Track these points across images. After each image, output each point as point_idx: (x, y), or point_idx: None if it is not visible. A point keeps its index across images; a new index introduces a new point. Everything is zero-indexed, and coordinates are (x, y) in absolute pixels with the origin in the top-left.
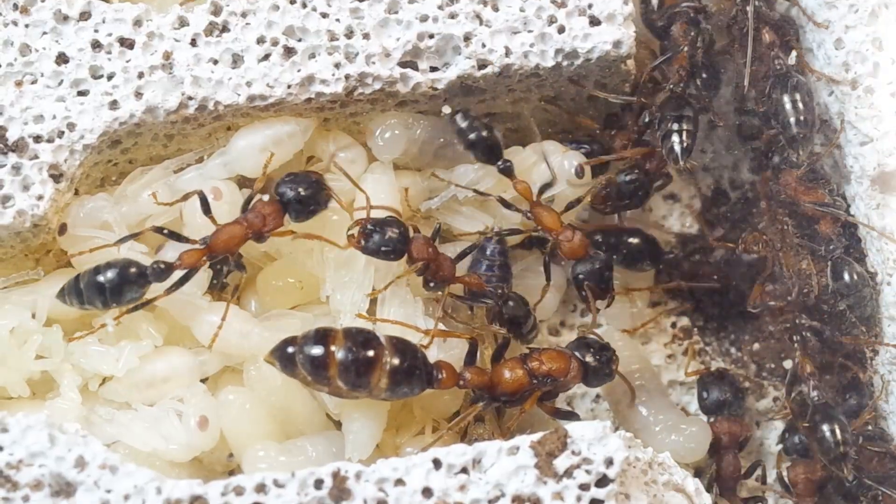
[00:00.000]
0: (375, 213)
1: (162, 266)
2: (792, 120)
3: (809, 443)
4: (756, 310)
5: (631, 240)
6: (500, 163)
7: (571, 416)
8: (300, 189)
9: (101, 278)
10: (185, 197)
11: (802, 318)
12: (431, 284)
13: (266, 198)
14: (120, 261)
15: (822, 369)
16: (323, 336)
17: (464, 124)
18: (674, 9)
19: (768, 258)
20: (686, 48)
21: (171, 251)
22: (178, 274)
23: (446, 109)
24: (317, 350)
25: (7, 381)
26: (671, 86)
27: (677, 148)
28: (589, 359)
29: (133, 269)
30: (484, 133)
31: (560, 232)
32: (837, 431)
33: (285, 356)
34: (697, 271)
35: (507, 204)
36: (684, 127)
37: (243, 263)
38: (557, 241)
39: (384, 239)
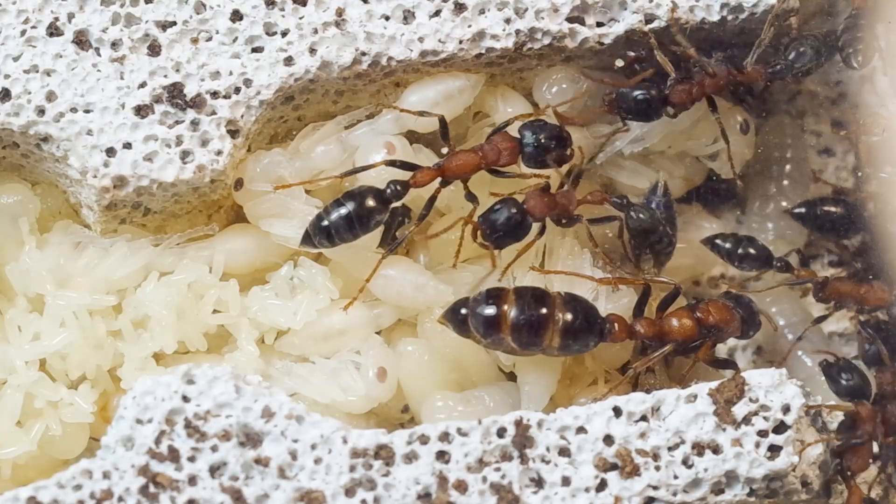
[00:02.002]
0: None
1: (398, 186)
2: None
3: None
4: None
5: (833, 209)
6: (776, 262)
7: (730, 364)
8: (543, 136)
9: (345, 210)
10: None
11: None
12: (564, 222)
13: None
14: (357, 189)
15: None
16: (495, 296)
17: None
18: None
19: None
20: None
21: None
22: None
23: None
24: (489, 310)
25: (185, 335)
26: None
27: (853, 53)
28: (744, 311)
29: (372, 195)
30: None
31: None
32: None
33: (458, 317)
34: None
35: None
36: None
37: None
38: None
39: (508, 226)
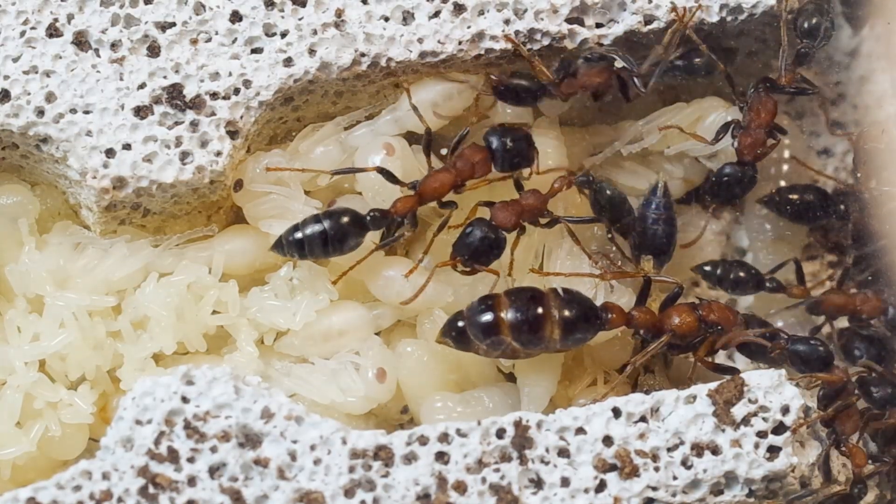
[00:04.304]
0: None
1: (378, 213)
2: None
3: None
4: None
5: (801, 196)
6: (767, 283)
7: (731, 370)
8: (509, 140)
9: (322, 228)
10: None
11: None
12: (543, 222)
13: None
14: (337, 210)
15: None
16: (488, 303)
17: None
18: None
19: None
20: None
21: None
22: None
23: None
24: (486, 317)
25: (185, 335)
26: None
27: None
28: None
29: (350, 218)
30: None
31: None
32: None
33: (456, 331)
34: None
35: None
36: None
37: (416, 219)
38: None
39: (483, 247)
